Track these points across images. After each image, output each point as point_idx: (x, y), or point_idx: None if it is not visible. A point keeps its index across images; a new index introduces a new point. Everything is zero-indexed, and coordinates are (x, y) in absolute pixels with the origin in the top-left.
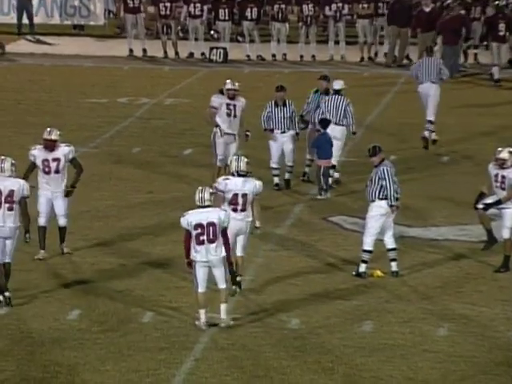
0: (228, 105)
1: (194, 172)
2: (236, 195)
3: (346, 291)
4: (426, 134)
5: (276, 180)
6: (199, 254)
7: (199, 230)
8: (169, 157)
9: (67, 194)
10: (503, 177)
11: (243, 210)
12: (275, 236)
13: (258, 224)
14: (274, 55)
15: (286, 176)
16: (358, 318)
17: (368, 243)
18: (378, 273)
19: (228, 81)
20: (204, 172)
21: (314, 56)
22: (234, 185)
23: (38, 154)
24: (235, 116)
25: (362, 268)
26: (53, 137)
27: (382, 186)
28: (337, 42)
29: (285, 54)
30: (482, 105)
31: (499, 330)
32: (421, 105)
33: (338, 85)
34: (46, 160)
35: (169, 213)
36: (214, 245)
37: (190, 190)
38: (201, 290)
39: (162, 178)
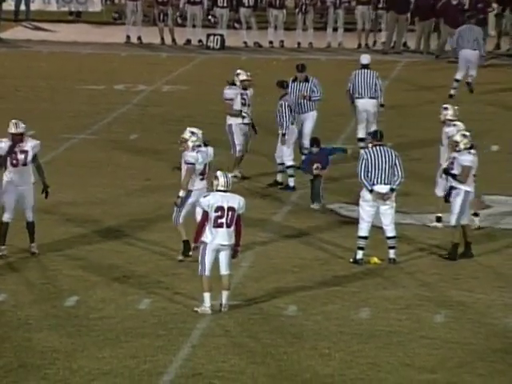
0: (242, 95)
1: None
2: (205, 165)
3: (343, 278)
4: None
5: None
6: (215, 237)
7: (219, 213)
8: (166, 144)
9: (46, 195)
10: (454, 158)
11: (205, 178)
12: (272, 223)
13: (181, 193)
14: (271, 42)
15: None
16: (355, 304)
17: (363, 229)
18: (375, 260)
19: (240, 71)
20: None
21: (311, 43)
22: (203, 156)
23: (4, 146)
24: (249, 105)
25: (359, 255)
26: (19, 130)
27: None
28: (335, 29)
29: (282, 41)
30: (483, 91)
31: (496, 316)
32: (459, 66)
33: (365, 59)
34: (14, 152)
35: (166, 200)
36: (230, 229)
37: None
38: (208, 273)
39: (159, 164)
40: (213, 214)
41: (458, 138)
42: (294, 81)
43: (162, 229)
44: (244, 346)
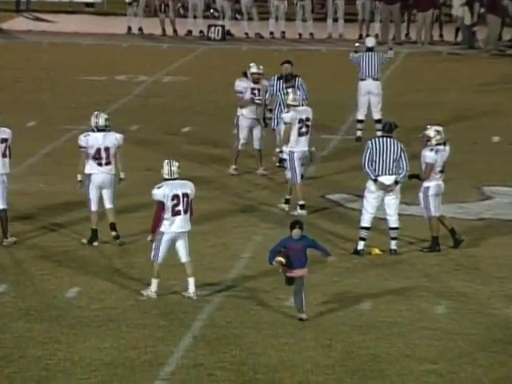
0: (253, 89)
1: (192, 150)
2: (99, 150)
3: (345, 269)
4: None
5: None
6: (174, 224)
7: (175, 201)
8: (167, 134)
9: None
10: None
11: (108, 163)
12: (274, 214)
13: (122, 176)
14: (272, 33)
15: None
16: (356, 295)
17: (365, 220)
18: (376, 251)
19: (252, 64)
20: (202, 149)
21: (312, 34)
22: (95, 140)
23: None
24: (259, 100)
25: (361, 246)
26: None
27: None
28: (335, 20)
29: (283, 32)
30: (484, 82)
31: (497, 307)
32: None
33: (370, 42)
34: None
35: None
36: (187, 215)
37: (188, 167)
38: (160, 261)
39: (160, 155)
40: (170, 203)
41: (431, 133)
42: (279, 78)
43: None
44: (245, 336)
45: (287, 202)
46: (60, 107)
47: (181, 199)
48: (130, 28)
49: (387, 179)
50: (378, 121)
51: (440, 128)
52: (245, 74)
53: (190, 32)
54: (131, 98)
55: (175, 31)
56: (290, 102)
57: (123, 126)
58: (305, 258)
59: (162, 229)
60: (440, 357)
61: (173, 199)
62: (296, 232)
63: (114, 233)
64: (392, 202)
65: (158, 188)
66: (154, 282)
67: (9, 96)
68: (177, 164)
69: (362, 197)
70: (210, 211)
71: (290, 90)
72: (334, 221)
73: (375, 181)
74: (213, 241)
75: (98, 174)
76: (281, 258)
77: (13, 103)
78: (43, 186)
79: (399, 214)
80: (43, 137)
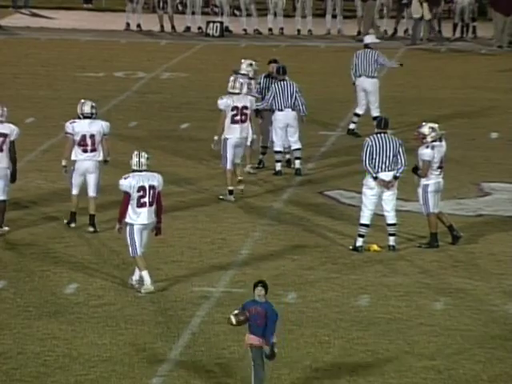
0: (248, 84)
1: (190, 146)
2: (84, 136)
3: (343, 265)
4: None
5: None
6: (140, 216)
7: (141, 193)
8: (165, 131)
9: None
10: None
11: (93, 150)
12: (272, 210)
13: (108, 158)
14: (270, 29)
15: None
16: (355, 291)
17: (365, 217)
18: (375, 247)
19: (244, 61)
20: (201, 146)
21: (310, 30)
22: (80, 127)
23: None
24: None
25: (359, 242)
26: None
27: None
28: (334, 16)
29: (282, 28)
30: (483, 78)
31: (495, 303)
32: None
33: (367, 39)
34: None
35: (164, 187)
36: (152, 208)
37: (187, 164)
38: (140, 253)
39: (158, 152)
40: (135, 195)
41: (425, 130)
42: (266, 77)
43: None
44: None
45: (231, 192)
46: (58, 103)
47: (147, 191)
48: (128, 24)
49: (386, 175)
50: (376, 118)
51: (435, 125)
52: (235, 72)
53: (188, 28)
54: (130, 95)
55: (173, 27)
56: (228, 90)
57: (122, 123)
58: (264, 324)
59: (129, 220)
60: (438, 353)
61: (139, 191)
62: (258, 292)
63: (91, 228)
64: (390, 199)
65: (125, 179)
66: (145, 275)
67: (7, 92)
68: (146, 156)
69: (360, 193)
70: (208, 207)
71: (231, 78)
72: (332, 217)
73: (375, 178)
74: (212, 237)
75: (82, 162)
76: (232, 317)
77: (11, 99)
78: (41, 182)
79: (397, 210)
80: (41, 133)
